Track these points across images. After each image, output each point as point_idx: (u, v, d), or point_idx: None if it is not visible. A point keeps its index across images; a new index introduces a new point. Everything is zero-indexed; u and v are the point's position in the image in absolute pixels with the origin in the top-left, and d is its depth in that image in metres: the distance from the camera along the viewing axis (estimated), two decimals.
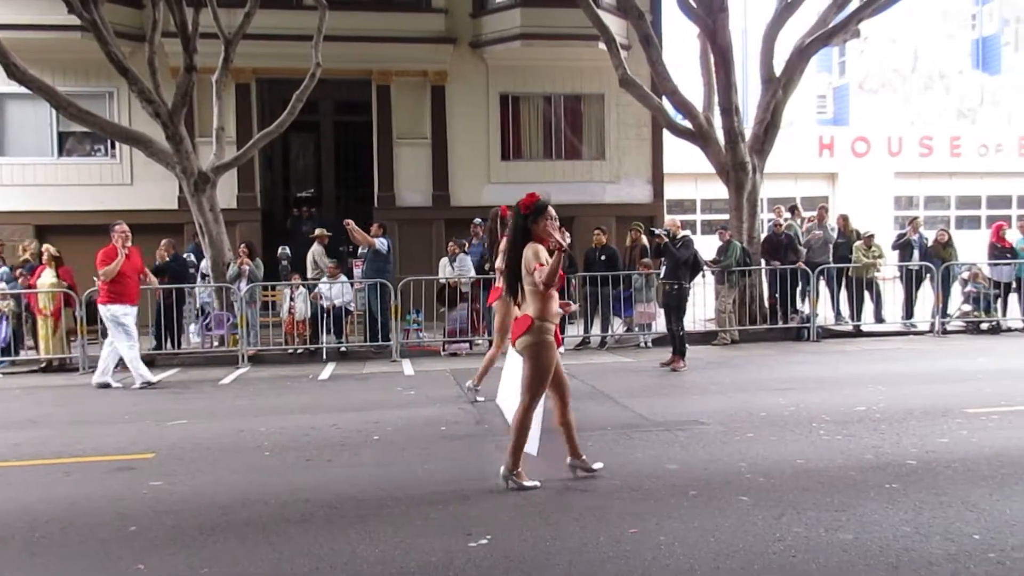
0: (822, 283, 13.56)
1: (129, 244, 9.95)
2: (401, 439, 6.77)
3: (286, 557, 4.22)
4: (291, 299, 12.41)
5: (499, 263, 8.28)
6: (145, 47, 13.08)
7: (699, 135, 13.81)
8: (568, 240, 5.20)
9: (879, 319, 13.60)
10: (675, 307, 10.57)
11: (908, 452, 5.91)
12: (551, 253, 5.06)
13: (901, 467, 5.53)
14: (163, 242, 12.60)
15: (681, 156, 18.35)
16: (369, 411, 8.02)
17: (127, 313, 9.81)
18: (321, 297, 12.17)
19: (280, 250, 13.95)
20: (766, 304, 13.63)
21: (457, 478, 5.53)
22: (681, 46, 20.82)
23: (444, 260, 13.12)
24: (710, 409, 7.59)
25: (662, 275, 10.90)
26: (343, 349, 12.25)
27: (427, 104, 16.97)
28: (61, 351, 11.50)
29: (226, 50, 13.22)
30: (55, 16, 13.66)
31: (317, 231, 13.46)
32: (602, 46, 14.09)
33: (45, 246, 11.86)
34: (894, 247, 14.12)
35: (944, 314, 13.31)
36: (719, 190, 15.35)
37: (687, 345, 10.69)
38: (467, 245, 13.09)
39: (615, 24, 14.96)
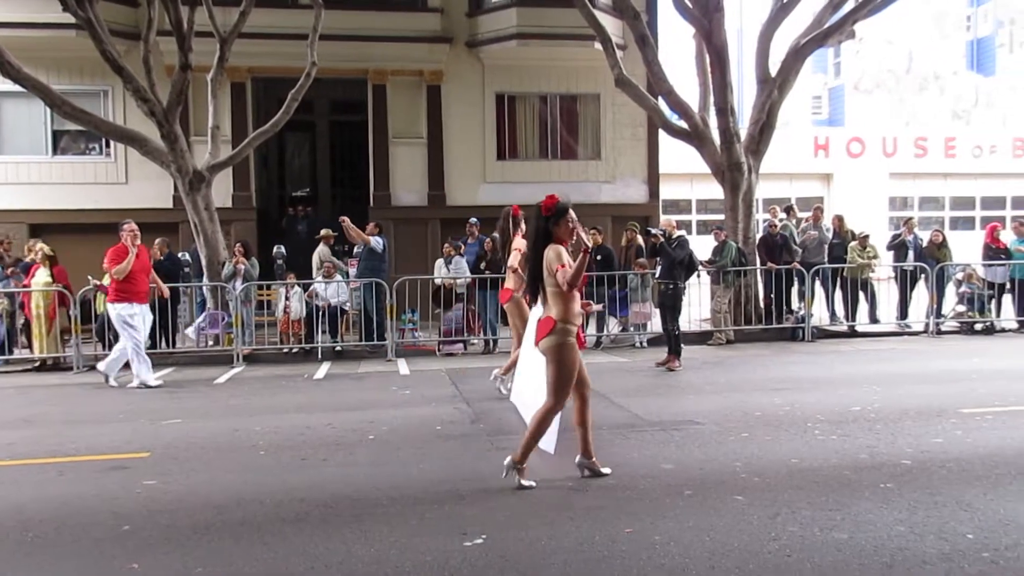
0: (817, 283, 13.59)
1: (139, 243, 9.92)
2: (396, 439, 6.76)
3: (281, 556, 4.21)
4: (286, 298, 12.40)
5: (512, 261, 8.28)
6: (140, 45, 13.04)
7: (695, 135, 13.83)
8: (590, 241, 5.23)
9: (874, 319, 13.63)
10: (670, 307, 10.59)
11: (903, 452, 5.92)
12: (572, 254, 5.10)
13: (896, 467, 5.54)
14: (157, 241, 12.56)
15: (677, 156, 18.38)
16: (364, 410, 8.01)
17: (134, 313, 9.76)
18: (316, 296, 12.15)
19: (275, 249, 13.94)
20: (761, 304, 13.65)
21: (452, 478, 5.53)
22: (677, 46, 20.81)
23: (440, 261, 13.11)
24: (705, 409, 7.60)
25: (657, 275, 10.92)
26: (338, 348, 12.24)
27: (423, 104, 16.96)
28: (55, 350, 11.47)
29: (221, 49, 13.20)
30: (50, 14, 13.62)
31: (323, 232, 13.43)
32: (598, 46, 14.10)
33: (40, 245, 11.83)
34: (889, 248, 14.16)
35: (938, 314, 13.35)
36: (715, 190, 15.37)
37: (682, 345, 10.71)
38: (462, 247, 13.09)
39: (611, 24, 14.97)
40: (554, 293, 5.19)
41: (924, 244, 13.85)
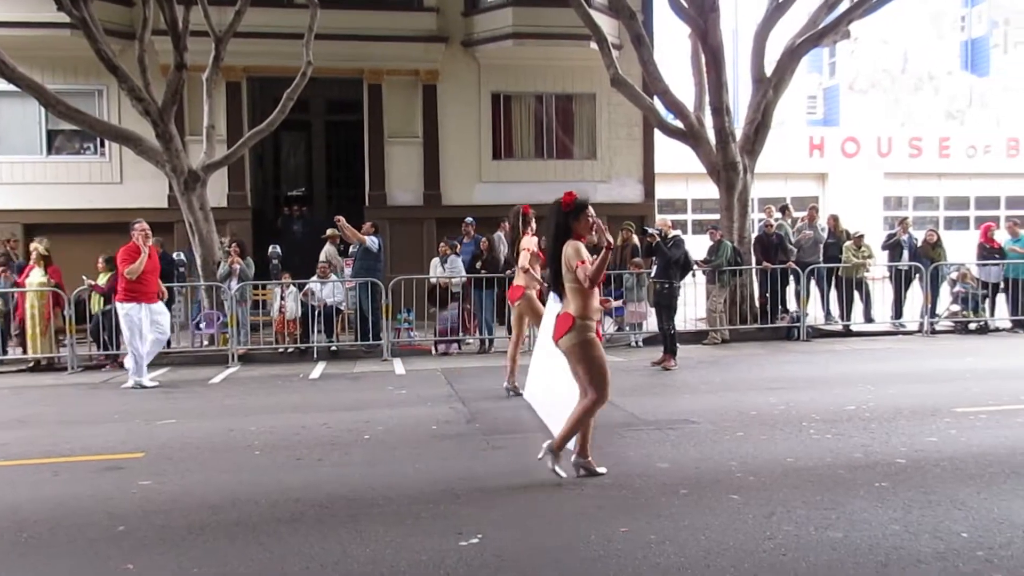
0: (812, 283, 13.62)
1: (150, 242, 9.90)
2: (392, 438, 6.76)
3: (276, 556, 4.20)
4: (282, 298, 12.38)
5: (522, 261, 8.28)
6: (135, 45, 13.01)
7: (690, 135, 13.85)
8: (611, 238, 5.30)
9: (868, 319, 13.66)
10: (666, 306, 10.61)
11: (897, 451, 5.94)
12: (592, 250, 5.14)
13: (890, 466, 5.56)
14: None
15: (672, 156, 18.39)
16: (360, 410, 8.00)
17: (141, 313, 9.71)
18: (312, 295, 12.14)
19: (271, 249, 13.92)
20: (757, 304, 13.67)
21: (448, 477, 5.53)
22: (672, 46, 20.85)
23: (435, 260, 13.11)
24: (701, 408, 7.61)
25: (653, 274, 10.93)
26: (334, 348, 12.22)
27: (418, 103, 16.95)
28: (50, 350, 11.44)
29: (217, 48, 13.17)
30: (44, 13, 13.58)
31: (328, 231, 13.42)
32: (594, 46, 14.11)
33: (33, 245, 11.80)
34: (884, 247, 14.19)
35: (933, 314, 13.38)
36: (710, 190, 15.39)
37: (678, 344, 10.72)
38: (458, 246, 13.09)
39: (607, 24, 14.98)
40: (573, 289, 5.22)
41: (919, 244, 13.88)
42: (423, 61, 16.73)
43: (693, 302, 12.91)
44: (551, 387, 5.55)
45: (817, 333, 13.17)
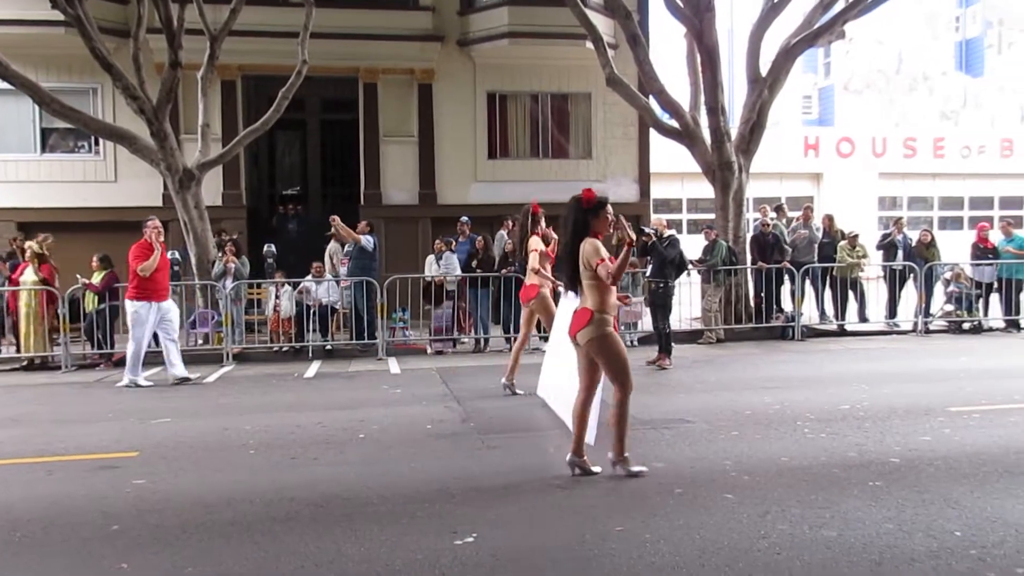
0: (807, 282, 13.64)
1: (162, 239, 9.88)
2: (387, 437, 6.76)
3: (271, 556, 4.20)
4: (276, 297, 12.36)
5: (532, 262, 8.29)
6: (130, 43, 12.97)
7: (686, 134, 13.86)
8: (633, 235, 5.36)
9: (863, 318, 13.69)
10: (661, 305, 10.62)
11: (891, 450, 5.96)
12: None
13: (884, 465, 5.58)
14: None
15: (667, 155, 18.38)
16: (355, 409, 8.00)
17: (151, 312, 9.69)
18: (308, 293, 12.13)
19: (266, 248, 13.90)
20: (752, 303, 13.70)
21: (443, 476, 5.53)
22: (668, 46, 20.86)
23: (430, 258, 13.11)
24: (696, 407, 7.62)
25: (648, 274, 10.94)
26: (329, 347, 12.21)
27: (414, 102, 16.93)
28: (43, 349, 11.41)
29: (212, 46, 13.14)
30: (38, 11, 13.53)
31: (333, 229, 13.39)
32: (589, 45, 14.10)
33: (28, 243, 11.76)
34: (878, 247, 14.22)
35: (927, 314, 13.42)
36: (705, 189, 15.41)
37: (673, 344, 10.73)
38: (453, 244, 13.09)
39: (602, 23, 14.98)
40: (591, 285, 5.28)
41: (913, 244, 13.92)
42: (419, 60, 16.71)
43: (688, 301, 12.93)
44: (567, 385, 5.59)
45: (812, 333, 13.20)
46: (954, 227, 26.38)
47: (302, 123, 19.37)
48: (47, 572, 4.12)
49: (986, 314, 13.72)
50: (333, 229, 13.21)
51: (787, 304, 13.55)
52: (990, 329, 13.52)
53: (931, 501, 4.79)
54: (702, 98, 14.00)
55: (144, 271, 9.56)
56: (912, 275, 13.49)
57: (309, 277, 12.46)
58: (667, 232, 10.92)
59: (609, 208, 5.40)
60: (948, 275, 13.76)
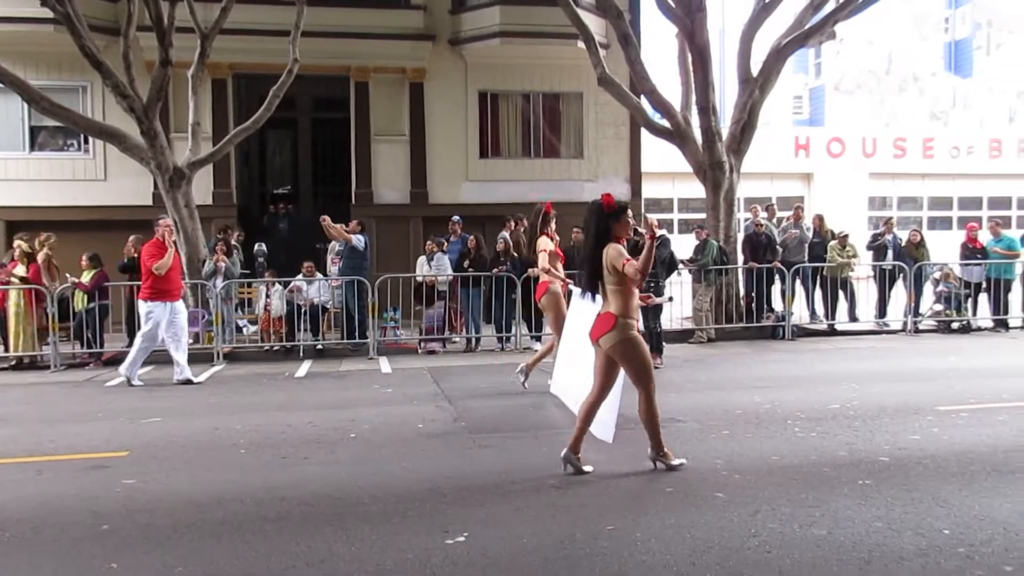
0: (797, 282, 13.69)
1: (174, 238, 9.85)
2: (378, 437, 6.75)
3: (262, 555, 4.19)
4: (267, 296, 12.33)
5: (543, 262, 8.31)
6: (120, 41, 12.90)
7: (677, 134, 13.89)
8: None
9: (853, 318, 13.75)
10: (652, 305, 10.63)
11: (881, 449, 5.99)
12: (633, 250, 5.24)
13: (874, 464, 5.60)
14: (131, 238, 12.38)
15: (658, 155, 18.45)
16: (346, 409, 7.99)
17: (165, 311, 9.68)
18: (299, 293, 12.09)
19: (256, 247, 13.86)
20: (742, 303, 13.74)
21: (434, 476, 5.53)
22: (659, 46, 20.90)
23: (422, 259, 13.09)
24: (687, 406, 7.64)
25: None
26: (320, 347, 12.18)
27: (405, 101, 16.91)
28: (32, 348, 11.35)
29: (202, 45, 13.08)
30: (27, 8, 13.45)
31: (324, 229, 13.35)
32: (581, 45, 14.13)
33: (17, 242, 11.70)
34: (869, 248, 14.29)
35: (916, 313, 13.49)
36: (696, 189, 15.44)
37: (664, 343, 10.76)
38: (445, 244, 13.08)
39: (594, 23, 15.00)
40: (615, 291, 5.33)
41: (903, 244, 13.99)
42: (410, 59, 16.69)
43: (679, 301, 12.94)
44: (583, 384, 5.63)
45: (802, 332, 13.25)
46: (943, 227, 26.53)
47: (293, 122, 19.33)
48: (37, 572, 4.10)
49: (974, 314, 13.80)
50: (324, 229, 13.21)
51: (777, 304, 13.59)
52: (979, 329, 13.60)
53: (920, 500, 4.82)
54: (693, 98, 14.03)
55: (159, 269, 9.55)
56: (902, 275, 13.55)
57: (300, 276, 12.44)
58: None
59: (629, 212, 5.48)
60: (937, 275, 13.84)
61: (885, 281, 13.73)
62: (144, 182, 14.91)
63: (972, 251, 13.91)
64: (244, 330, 12.61)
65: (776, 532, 4.34)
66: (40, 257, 11.70)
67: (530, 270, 11.93)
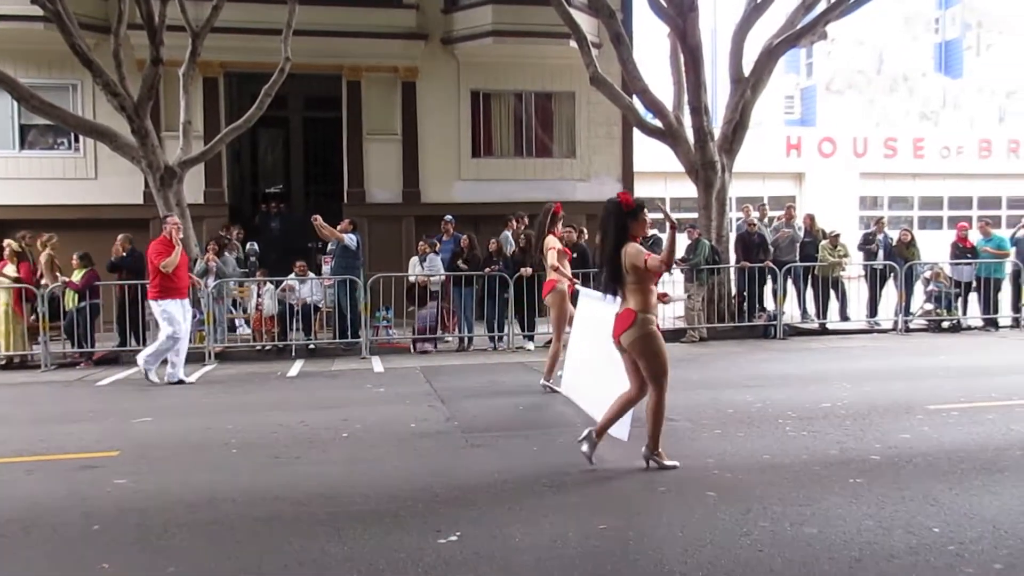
0: (789, 281, 13.73)
1: (181, 235, 9.82)
2: (370, 437, 6.74)
3: (254, 555, 4.18)
4: (259, 295, 12.29)
5: (552, 260, 8.32)
6: (110, 39, 12.83)
7: (669, 134, 13.91)
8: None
9: (844, 317, 13.80)
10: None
11: (871, 448, 6.01)
12: (650, 245, 5.27)
13: (864, 462, 5.63)
14: (120, 237, 12.32)
15: (650, 155, 18.46)
16: (338, 408, 7.98)
17: (176, 309, 9.66)
18: (291, 292, 12.07)
19: (248, 246, 13.81)
20: (734, 302, 13.77)
21: (426, 475, 5.52)
22: (651, 45, 20.89)
23: (414, 259, 13.08)
24: (679, 406, 7.63)
25: None
26: (312, 346, 12.16)
27: (397, 100, 16.89)
28: (22, 348, 11.29)
29: (193, 43, 13.04)
30: (17, 6, 13.39)
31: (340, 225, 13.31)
32: (573, 44, 14.13)
33: (7, 241, 11.64)
34: (860, 248, 14.33)
35: (907, 312, 13.56)
36: (688, 189, 15.46)
37: None
38: (437, 244, 13.07)
39: (586, 22, 15.00)
40: (634, 288, 5.37)
41: (893, 243, 14.05)
42: (402, 58, 16.67)
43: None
44: (597, 382, 5.64)
45: (793, 331, 13.29)
46: (934, 227, 26.67)
47: (285, 121, 19.28)
48: (28, 572, 4.09)
49: (965, 313, 13.88)
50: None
51: (769, 303, 13.63)
52: (969, 328, 13.67)
53: (911, 498, 4.84)
54: (685, 98, 14.06)
55: (167, 267, 9.53)
56: (892, 274, 13.61)
57: (292, 275, 12.41)
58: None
59: (646, 210, 5.50)
60: (928, 274, 13.90)
61: (876, 280, 13.79)
62: (135, 181, 14.84)
63: (962, 251, 13.98)
64: (239, 330, 12.58)
65: (767, 531, 4.36)
66: (43, 257, 11.68)
67: (522, 269, 11.96)
